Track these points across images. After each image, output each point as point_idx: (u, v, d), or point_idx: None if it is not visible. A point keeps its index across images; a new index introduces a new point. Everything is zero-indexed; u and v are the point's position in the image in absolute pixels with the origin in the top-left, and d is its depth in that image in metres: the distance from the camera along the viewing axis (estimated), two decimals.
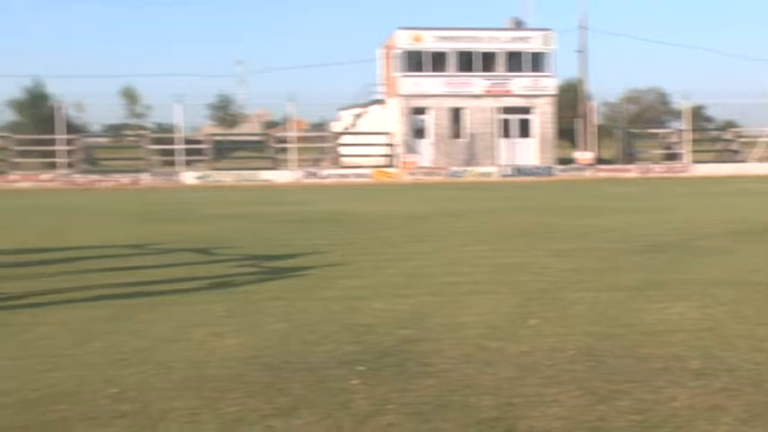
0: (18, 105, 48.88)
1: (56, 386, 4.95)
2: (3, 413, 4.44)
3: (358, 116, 47.81)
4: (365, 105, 46.95)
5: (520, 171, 39.95)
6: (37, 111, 46.12)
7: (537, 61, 42.78)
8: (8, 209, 12.64)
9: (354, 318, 6.90)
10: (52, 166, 38.17)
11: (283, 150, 40.65)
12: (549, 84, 43.10)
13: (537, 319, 6.73)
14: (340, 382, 4.99)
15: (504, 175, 39.24)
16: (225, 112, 67.04)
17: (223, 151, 43.77)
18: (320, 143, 44.64)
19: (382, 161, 40.81)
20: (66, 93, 63.92)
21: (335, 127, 50.01)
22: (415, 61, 41.58)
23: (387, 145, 41.18)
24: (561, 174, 40.15)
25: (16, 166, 37.20)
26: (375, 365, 5.36)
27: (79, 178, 35.95)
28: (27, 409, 4.51)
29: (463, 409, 4.46)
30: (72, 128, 42.39)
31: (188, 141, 40.50)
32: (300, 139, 41.61)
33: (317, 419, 4.34)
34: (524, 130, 43.09)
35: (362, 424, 4.27)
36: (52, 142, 38.70)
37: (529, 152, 42.68)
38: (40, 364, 5.45)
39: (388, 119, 43.26)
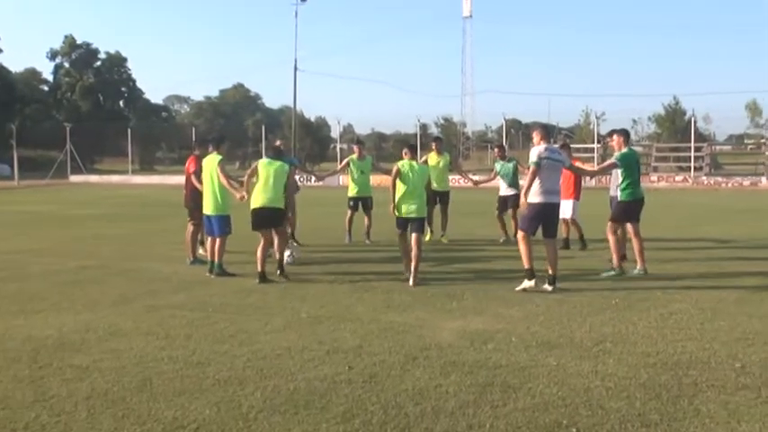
0: (658, 119, 52.78)
1: (687, 354, 5.20)
2: (649, 370, 4.83)
3: None
4: None
5: None
6: (673, 124, 50.01)
7: None
8: (656, 205, 13.81)
9: None
10: (684, 169, 38.98)
11: None
12: None
13: None
14: None
15: None
16: None
17: None
18: None
19: None
20: (698, 108, 64.81)
21: None
22: None
23: None
24: None
25: (655, 170, 39.27)
26: None
27: (705, 180, 36.22)
28: (666, 370, 4.84)
29: None
30: (700, 137, 43.51)
31: None
32: None
33: None
34: None
35: None
36: (685, 150, 40.07)
37: None
38: (674, 335, 5.76)
39: None
